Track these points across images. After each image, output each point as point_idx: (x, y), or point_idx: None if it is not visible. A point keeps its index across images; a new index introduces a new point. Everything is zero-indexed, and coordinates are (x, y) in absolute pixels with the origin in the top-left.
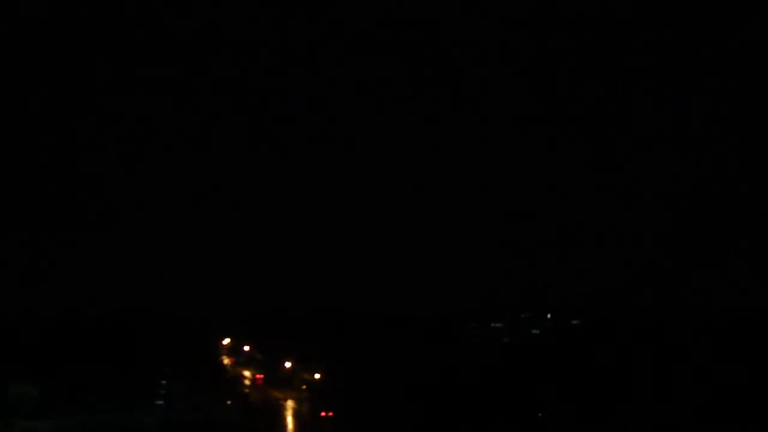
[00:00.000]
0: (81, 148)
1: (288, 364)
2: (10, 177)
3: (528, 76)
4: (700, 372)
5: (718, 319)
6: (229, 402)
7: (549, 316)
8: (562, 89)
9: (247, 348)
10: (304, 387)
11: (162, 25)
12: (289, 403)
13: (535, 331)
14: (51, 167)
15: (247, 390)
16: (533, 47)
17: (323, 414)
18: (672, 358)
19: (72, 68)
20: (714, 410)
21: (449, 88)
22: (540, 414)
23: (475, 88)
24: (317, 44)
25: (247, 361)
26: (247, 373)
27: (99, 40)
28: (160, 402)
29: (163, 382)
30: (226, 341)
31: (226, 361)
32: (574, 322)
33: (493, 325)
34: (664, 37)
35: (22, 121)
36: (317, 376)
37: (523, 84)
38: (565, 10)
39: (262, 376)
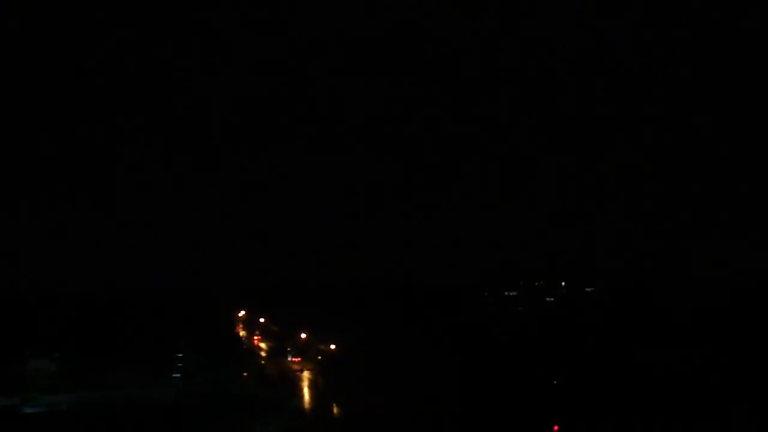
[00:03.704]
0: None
1: (303, 336)
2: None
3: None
4: (715, 339)
5: (735, 286)
6: (245, 373)
7: (563, 284)
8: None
9: (262, 320)
10: (320, 357)
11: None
12: (305, 374)
13: (549, 299)
14: (80, 153)
15: (263, 361)
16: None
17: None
18: (686, 324)
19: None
20: (732, 376)
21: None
22: (555, 381)
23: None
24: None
25: (262, 333)
26: (262, 345)
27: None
28: (177, 374)
29: (180, 355)
30: (242, 314)
31: (241, 333)
32: (588, 289)
33: (507, 293)
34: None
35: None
36: (333, 347)
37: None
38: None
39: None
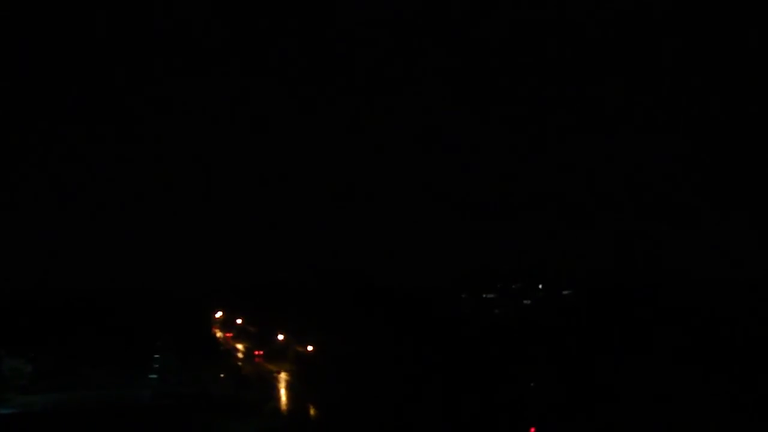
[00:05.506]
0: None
1: (281, 337)
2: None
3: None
4: (695, 341)
5: (713, 287)
6: (222, 375)
7: (540, 286)
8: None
9: (239, 321)
10: (297, 359)
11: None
12: (282, 376)
13: (526, 302)
14: (45, 154)
15: (240, 363)
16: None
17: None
18: (665, 328)
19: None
20: (710, 378)
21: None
22: (532, 383)
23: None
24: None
25: (239, 334)
26: (239, 346)
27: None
28: (154, 375)
29: (157, 355)
30: (219, 314)
31: (218, 334)
32: (566, 292)
33: (484, 296)
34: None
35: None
36: (310, 348)
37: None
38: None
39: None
